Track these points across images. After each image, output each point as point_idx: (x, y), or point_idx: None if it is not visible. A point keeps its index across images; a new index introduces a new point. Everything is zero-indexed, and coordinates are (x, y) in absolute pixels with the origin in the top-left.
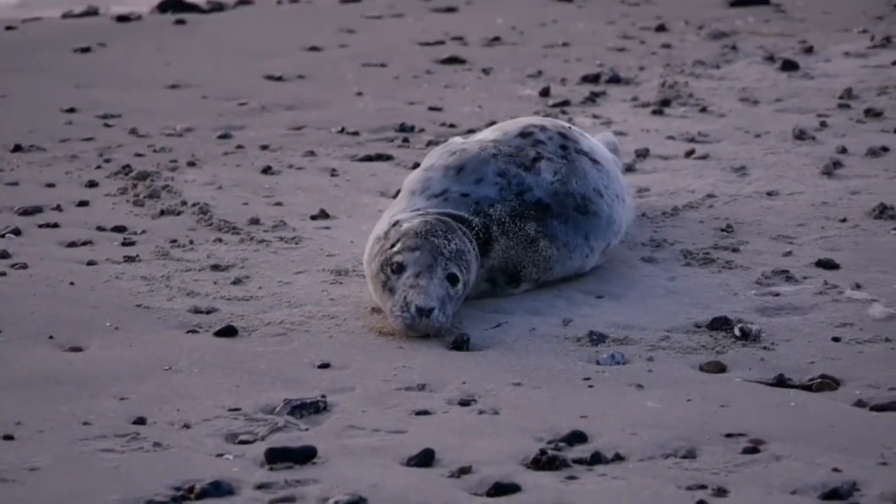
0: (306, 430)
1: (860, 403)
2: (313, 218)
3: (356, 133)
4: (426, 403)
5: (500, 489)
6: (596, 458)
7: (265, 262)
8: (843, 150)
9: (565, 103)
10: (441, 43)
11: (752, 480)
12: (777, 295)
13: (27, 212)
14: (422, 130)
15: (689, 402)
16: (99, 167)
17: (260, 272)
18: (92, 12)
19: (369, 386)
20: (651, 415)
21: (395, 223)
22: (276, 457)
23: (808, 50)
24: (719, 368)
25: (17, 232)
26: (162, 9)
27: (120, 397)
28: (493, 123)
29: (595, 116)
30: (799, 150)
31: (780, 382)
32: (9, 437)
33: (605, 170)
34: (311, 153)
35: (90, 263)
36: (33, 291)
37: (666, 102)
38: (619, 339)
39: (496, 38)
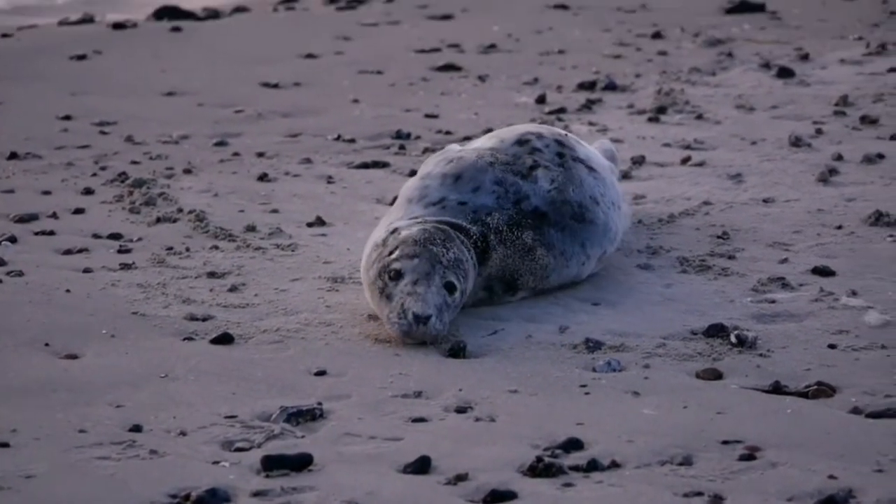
0: (302, 437)
1: (856, 410)
2: (309, 225)
3: (352, 140)
4: (423, 411)
5: (497, 496)
6: (592, 466)
7: (261, 269)
8: (839, 158)
9: (561, 110)
10: (437, 50)
11: (748, 487)
12: (773, 302)
13: (23, 219)
14: (418, 137)
15: (686, 409)
16: (95, 175)
17: (256, 279)
18: (88, 20)
19: (366, 393)
20: (647, 422)
21: (394, 231)
22: (273, 464)
23: (804, 57)
24: (715, 375)
25: (13, 239)
26: (158, 16)
27: (116, 405)
28: (489, 130)
29: (591, 123)
30: (795, 157)
31: (777, 389)
32: (4, 445)
33: (601, 177)
34: (308, 160)
35: (86, 271)
36: (29, 299)
37: (662, 109)
38: (615, 346)
39: (492, 46)
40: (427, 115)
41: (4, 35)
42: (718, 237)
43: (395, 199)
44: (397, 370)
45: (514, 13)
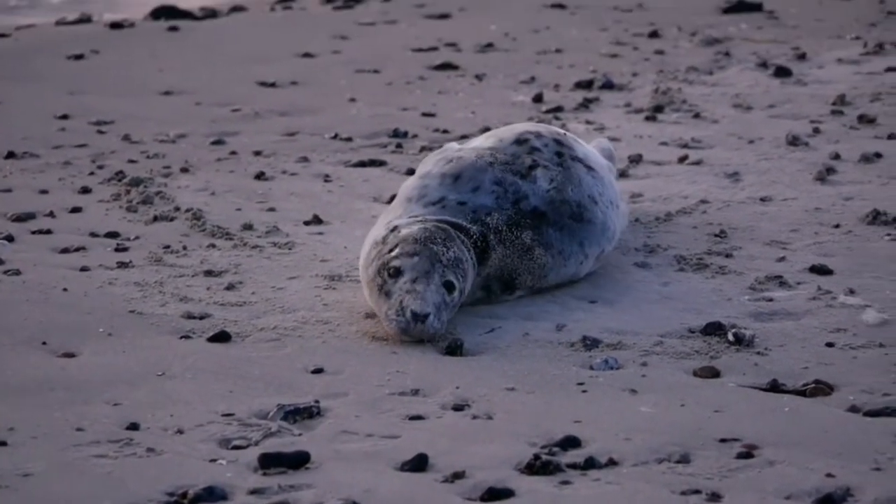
0: (300, 435)
1: (854, 409)
2: (307, 223)
3: (349, 139)
4: (420, 408)
5: (494, 494)
6: (590, 463)
7: (258, 267)
8: (837, 157)
9: (558, 109)
10: (434, 49)
11: (746, 485)
12: (770, 300)
13: (20, 218)
14: (415, 136)
15: (683, 407)
16: (92, 173)
17: (253, 278)
18: (85, 19)
19: (363, 391)
20: (645, 420)
21: (394, 228)
22: (270, 462)
23: (801, 56)
24: (713, 373)
25: (10, 238)
26: (155, 16)
27: (113, 403)
28: (486, 129)
29: (588, 122)
30: (792, 156)
31: (774, 388)
32: (2, 444)
33: (599, 176)
34: (305, 159)
35: (83, 269)
36: (26, 297)
37: (659, 108)
38: (612, 344)
39: (489, 45)
40: (424, 114)
41: (2, 35)
42: (716, 236)
43: (392, 197)
44: (394, 368)
45: (511, 12)
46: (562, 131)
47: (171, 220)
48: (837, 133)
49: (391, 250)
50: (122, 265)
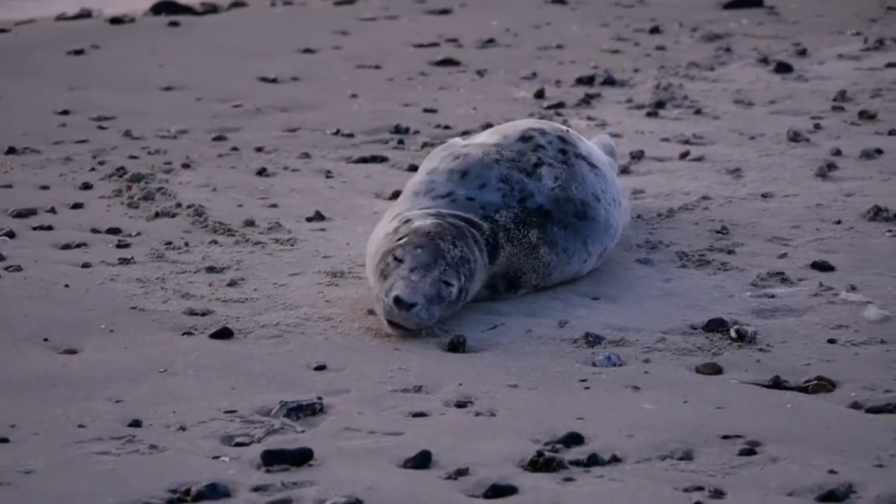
0: (302, 431)
1: (856, 405)
2: (308, 220)
3: (351, 135)
4: (423, 405)
5: (497, 491)
6: (593, 460)
7: (260, 263)
8: (838, 153)
9: (560, 105)
10: (435, 45)
11: (748, 482)
12: (772, 297)
13: (21, 214)
14: (416, 132)
15: (686, 403)
16: (93, 169)
17: (255, 274)
18: (85, 14)
19: (365, 388)
20: (647, 416)
21: (406, 221)
22: (273, 459)
23: (802, 52)
24: (715, 370)
25: (11, 234)
26: (156, 11)
27: (115, 400)
28: (488, 125)
29: (590, 118)
30: (793, 152)
31: (777, 384)
32: (3, 440)
33: (602, 174)
34: (306, 155)
35: (85, 266)
36: (28, 294)
37: (660, 104)
38: (615, 340)
39: (490, 40)
40: (426, 110)
41: (2, 30)
42: (717, 232)
43: (394, 194)
44: (397, 365)
45: (513, 8)
46: (564, 128)
47: (173, 216)
48: (838, 129)
49: (400, 239)
50: (124, 261)
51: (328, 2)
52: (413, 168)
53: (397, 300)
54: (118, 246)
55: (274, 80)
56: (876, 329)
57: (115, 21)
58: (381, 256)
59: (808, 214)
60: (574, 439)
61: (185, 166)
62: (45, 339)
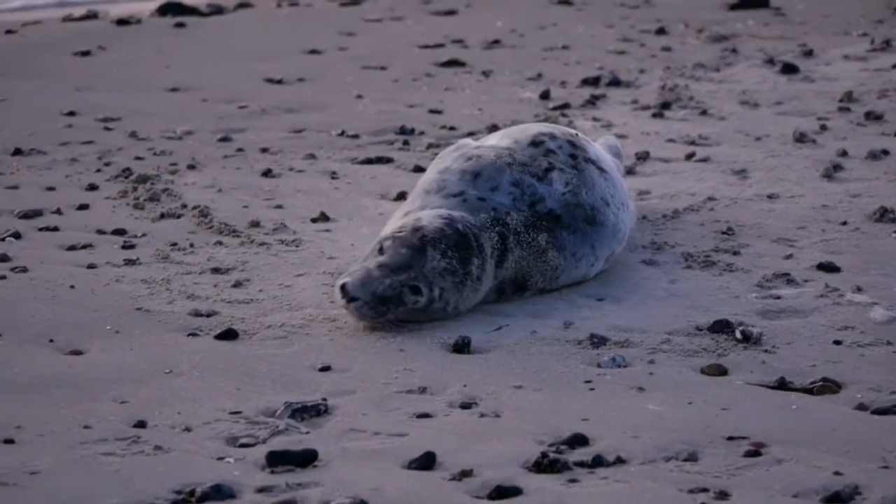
0: (307, 433)
1: (861, 407)
2: (314, 221)
3: (356, 136)
4: (427, 406)
5: (502, 492)
6: (597, 461)
7: (266, 264)
8: (844, 154)
9: (565, 106)
10: (441, 46)
11: (753, 484)
12: (778, 298)
13: (27, 215)
14: (422, 133)
15: (691, 404)
16: (99, 170)
17: (260, 275)
18: (92, 16)
19: (370, 389)
20: (652, 418)
21: (417, 219)
22: (277, 460)
23: (808, 53)
24: (720, 371)
25: (17, 235)
26: (162, 12)
27: (120, 401)
28: (493, 126)
29: (595, 119)
30: (799, 152)
31: (782, 385)
32: (9, 441)
33: (611, 178)
34: (312, 156)
35: (90, 267)
36: (33, 295)
37: (666, 105)
38: (620, 341)
39: (496, 41)
40: (431, 111)
41: (9, 31)
42: (723, 233)
43: (399, 195)
44: (402, 366)
45: (518, 9)
46: (573, 132)
47: (179, 217)
48: (844, 130)
49: (400, 230)
50: (130, 262)
51: (334, 3)
52: (419, 169)
53: (343, 287)
54: (124, 247)
55: (280, 81)
56: (882, 330)
57: (122, 22)
58: (378, 240)
59: (814, 215)
60: (579, 440)
61: (191, 167)
62: (51, 340)
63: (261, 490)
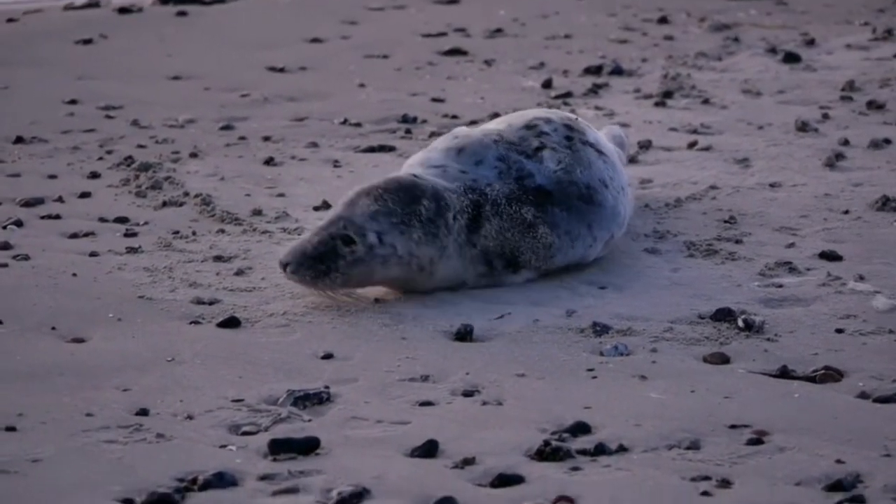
0: (309, 420)
1: (863, 395)
2: (316, 209)
3: (358, 124)
4: (429, 394)
5: (504, 480)
6: (600, 450)
7: (268, 253)
8: (846, 143)
9: (568, 95)
10: (443, 34)
11: (756, 472)
12: (780, 286)
13: (29, 203)
14: (424, 122)
15: (693, 393)
16: (101, 158)
17: (263, 263)
18: (93, 4)
19: (372, 377)
20: (655, 406)
21: None
22: (280, 448)
23: (810, 42)
24: (723, 360)
25: (18, 223)
26: (163, 0)
27: (123, 388)
28: (495, 115)
29: (598, 108)
30: (801, 141)
31: (784, 374)
32: (11, 429)
33: (610, 162)
34: (314, 144)
35: (92, 255)
36: (35, 283)
37: (668, 94)
38: (622, 330)
39: (498, 30)
40: (433, 100)
41: (10, 20)
42: (725, 221)
43: None
44: (404, 354)
45: None
46: (573, 116)
47: (181, 205)
48: (846, 119)
49: None
50: (132, 250)
51: None
52: None
53: (280, 261)
54: (126, 235)
55: (282, 70)
56: (884, 319)
57: (123, 11)
58: None
59: (816, 204)
60: (581, 428)
61: (193, 156)
62: (53, 328)
63: (263, 478)
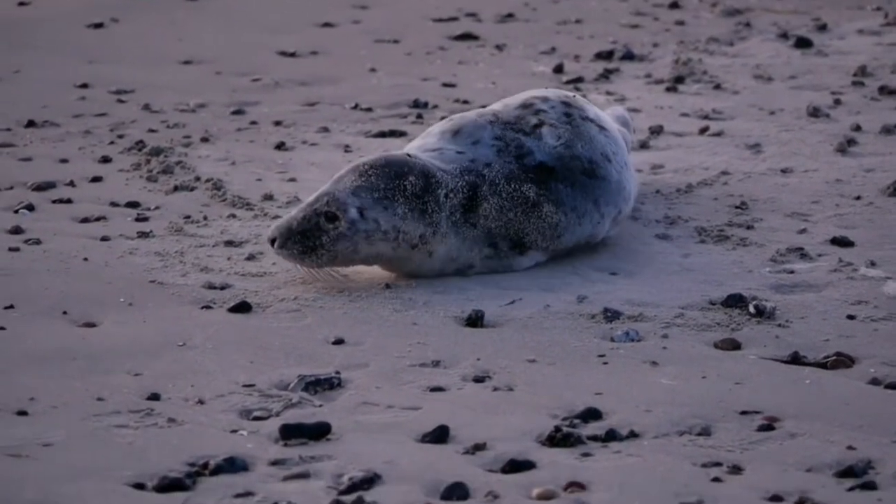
0: (320, 406)
1: (875, 381)
2: None
3: (370, 109)
4: (441, 380)
5: (515, 466)
6: (611, 435)
7: None
8: (858, 128)
9: (579, 80)
10: (454, 19)
11: (767, 458)
12: (792, 272)
13: (41, 187)
14: (435, 107)
15: (704, 379)
16: (112, 143)
17: None
18: None
19: (383, 362)
20: (666, 392)
21: None
22: (291, 433)
23: (822, 27)
24: (734, 346)
25: (30, 207)
26: None
27: (134, 373)
28: None
29: (609, 93)
30: (813, 127)
31: (795, 360)
32: (22, 413)
33: (612, 136)
34: (325, 129)
35: (104, 239)
36: (47, 267)
37: (680, 79)
38: (633, 315)
39: (510, 15)
40: (444, 85)
41: (21, 3)
42: (737, 207)
43: None
44: (415, 339)
45: None
46: (571, 94)
47: (192, 189)
48: (858, 104)
49: None
50: (143, 235)
51: None
52: None
53: (267, 237)
54: (137, 219)
55: (293, 55)
56: (895, 305)
57: None
58: None
59: (828, 190)
60: (592, 414)
61: (204, 140)
62: (65, 313)
63: (274, 463)
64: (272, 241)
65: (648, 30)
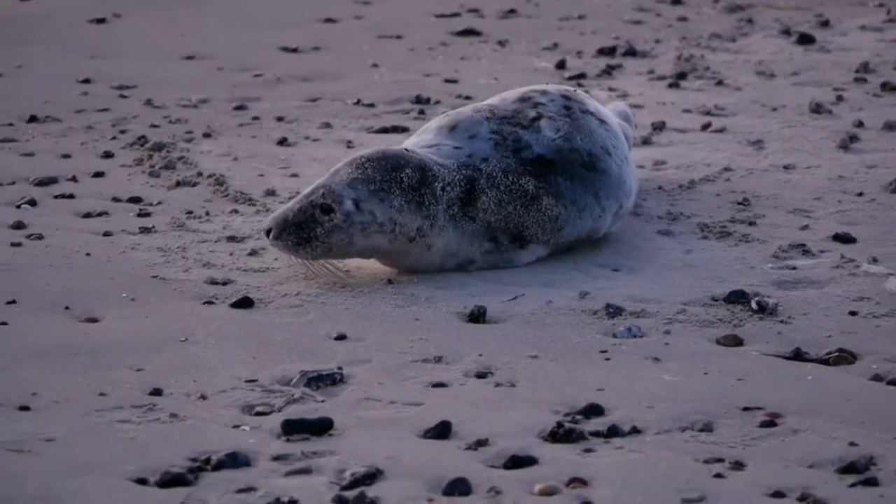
0: (323, 401)
1: (877, 377)
2: None
3: (372, 105)
4: (443, 376)
5: (517, 462)
6: (613, 431)
7: None
8: (860, 124)
9: (581, 76)
10: (457, 15)
11: (769, 454)
12: (794, 268)
13: (43, 182)
14: (437, 102)
15: (706, 375)
16: (114, 138)
17: None
18: None
19: (386, 358)
20: (668, 388)
21: None
22: (293, 428)
23: (825, 23)
24: (736, 342)
25: (32, 202)
26: None
27: (136, 368)
28: None
29: (611, 89)
30: (815, 123)
31: (797, 356)
32: (25, 408)
33: (612, 130)
34: (327, 125)
35: (106, 234)
36: (49, 262)
37: (682, 75)
38: (635, 312)
39: (512, 11)
40: (447, 80)
41: None
42: (739, 203)
43: None
44: (417, 335)
45: None
46: (571, 88)
47: (194, 185)
48: (861, 100)
49: None
50: (145, 230)
51: None
52: None
53: (263, 229)
54: (139, 215)
55: (295, 50)
56: None
57: None
58: None
59: (830, 186)
60: (594, 410)
61: (207, 135)
62: (67, 308)
63: (276, 458)
64: (268, 232)
65: (651, 26)
